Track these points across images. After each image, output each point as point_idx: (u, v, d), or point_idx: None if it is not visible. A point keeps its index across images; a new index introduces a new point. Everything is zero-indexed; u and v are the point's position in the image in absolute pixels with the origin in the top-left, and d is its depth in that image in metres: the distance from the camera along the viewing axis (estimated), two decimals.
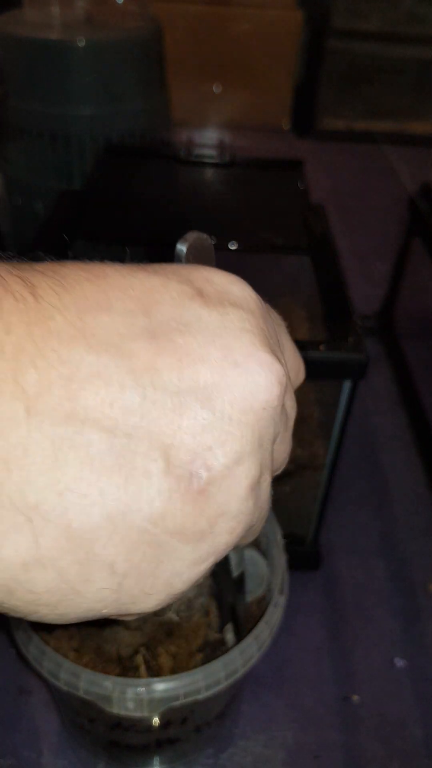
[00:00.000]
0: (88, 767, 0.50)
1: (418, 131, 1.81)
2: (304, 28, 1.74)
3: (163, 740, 0.45)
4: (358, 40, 1.74)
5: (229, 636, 0.43)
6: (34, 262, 0.15)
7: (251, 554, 0.47)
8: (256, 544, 0.48)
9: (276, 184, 0.72)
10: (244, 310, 0.17)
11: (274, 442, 0.17)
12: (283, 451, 0.19)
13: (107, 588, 0.15)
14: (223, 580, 0.44)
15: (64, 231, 0.59)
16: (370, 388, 0.89)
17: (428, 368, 0.92)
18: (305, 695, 0.56)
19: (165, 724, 0.42)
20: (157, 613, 0.44)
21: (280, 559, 0.45)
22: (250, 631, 0.40)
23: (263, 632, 0.40)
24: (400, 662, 0.58)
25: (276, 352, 0.17)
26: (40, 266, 0.15)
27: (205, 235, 0.20)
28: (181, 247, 0.19)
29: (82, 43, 0.83)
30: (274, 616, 0.41)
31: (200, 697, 0.38)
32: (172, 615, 0.44)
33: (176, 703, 0.37)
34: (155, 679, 0.37)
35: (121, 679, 0.37)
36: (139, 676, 0.41)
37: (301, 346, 0.35)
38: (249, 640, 0.40)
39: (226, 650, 0.40)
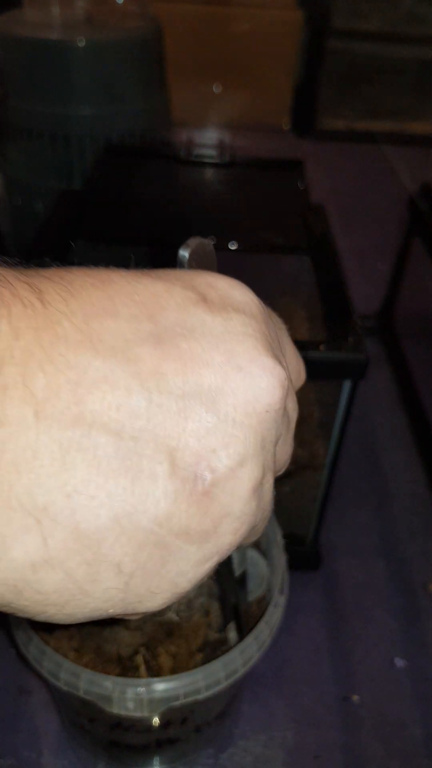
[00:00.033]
0: (88, 767, 0.50)
1: (418, 131, 1.81)
2: (304, 28, 1.74)
3: (163, 740, 0.45)
4: (358, 40, 1.74)
5: (232, 635, 0.43)
6: (40, 268, 0.15)
7: (252, 554, 0.47)
8: (256, 544, 0.48)
9: (276, 184, 0.72)
10: (247, 315, 0.17)
11: (276, 443, 0.17)
12: (285, 452, 0.20)
13: (114, 588, 0.15)
14: (225, 580, 0.44)
15: (64, 231, 0.59)
16: (370, 388, 0.89)
17: (428, 368, 0.92)
18: (305, 695, 0.56)
19: (165, 724, 0.42)
20: (157, 613, 0.44)
21: (280, 559, 0.45)
22: (250, 631, 0.40)
23: (263, 632, 0.40)
24: (400, 662, 0.59)
25: (278, 355, 0.17)
26: (46, 272, 0.15)
27: (206, 240, 0.20)
28: (184, 253, 0.19)
29: (82, 43, 0.83)
30: (274, 616, 0.42)
31: (200, 697, 0.38)
32: (172, 615, 0.44)
33: (176, 703, 0.37)
34: (155, 679, 0.38)
35: (121, 679, 0.38)
36: (139, 676, 0.41)
37: (301, 346, 0.35)
38: (249, 640, 0.40)
39: (226, 650, 0.40)
